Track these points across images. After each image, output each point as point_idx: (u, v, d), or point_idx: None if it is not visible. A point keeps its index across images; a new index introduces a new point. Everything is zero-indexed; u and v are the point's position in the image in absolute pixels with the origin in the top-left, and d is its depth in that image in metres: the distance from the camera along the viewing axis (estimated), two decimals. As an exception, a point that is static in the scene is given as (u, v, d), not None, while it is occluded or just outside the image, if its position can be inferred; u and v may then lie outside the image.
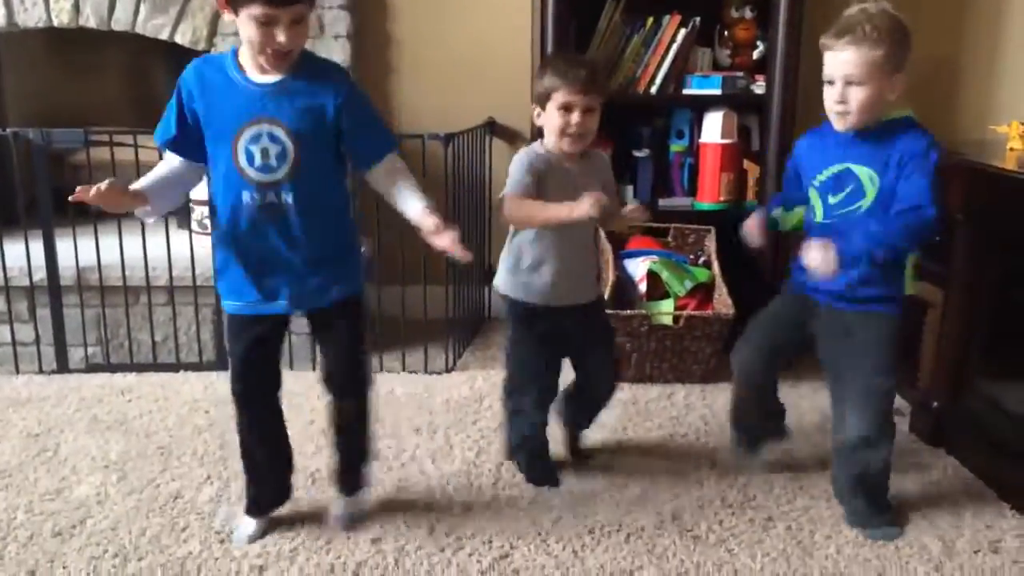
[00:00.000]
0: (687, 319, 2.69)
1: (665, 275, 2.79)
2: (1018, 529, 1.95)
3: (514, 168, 1.96)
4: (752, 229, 2.05)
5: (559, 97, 1.92)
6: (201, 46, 3.00)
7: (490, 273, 3.34)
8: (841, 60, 1.82)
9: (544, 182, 1.95)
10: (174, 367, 2.80)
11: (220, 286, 1.84)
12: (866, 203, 1.86)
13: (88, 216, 2.70)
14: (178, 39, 2.99)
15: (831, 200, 1.92)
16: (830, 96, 1.86)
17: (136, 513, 2.00)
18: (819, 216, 1.95)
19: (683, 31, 2.90)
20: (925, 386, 2.40)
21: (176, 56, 3.12)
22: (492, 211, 3.30)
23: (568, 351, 2.14)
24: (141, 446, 2.31)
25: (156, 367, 2.80)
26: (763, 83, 2.90)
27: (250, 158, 1.71)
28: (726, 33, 3.01)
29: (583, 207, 1.80)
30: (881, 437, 1.93)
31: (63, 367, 2.80)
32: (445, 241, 1.69)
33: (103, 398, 2.60)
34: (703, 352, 2.72)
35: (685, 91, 2.96)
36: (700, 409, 2.57)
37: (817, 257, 1.76)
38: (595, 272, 2.17)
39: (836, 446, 2.01)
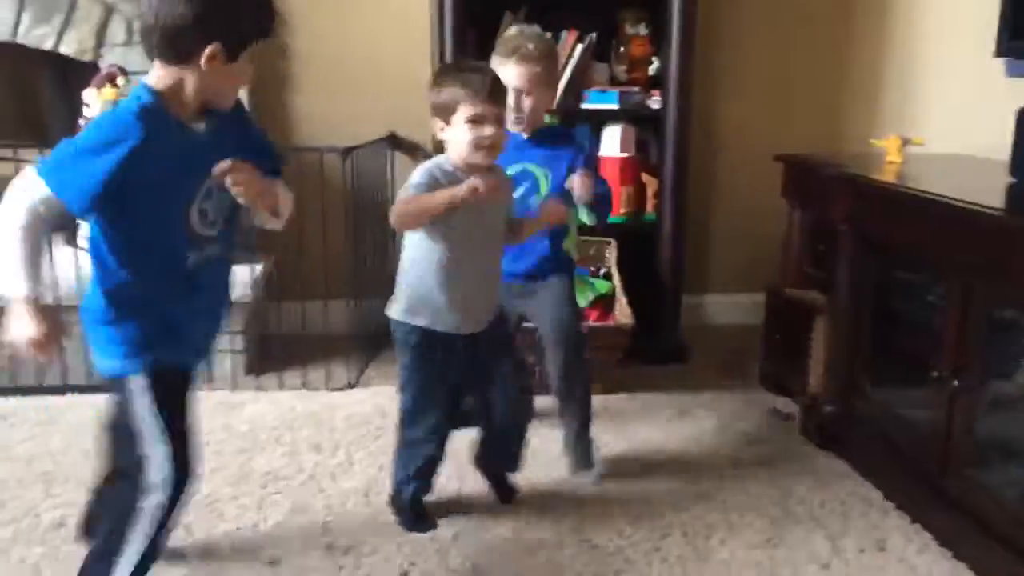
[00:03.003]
0: (589, 331, 2.71)
1: (566, 287, 2.81)
2: (902, 528, 2.03)
3: (413, 177, 1.86)
4: None
5: (467, 109, 1.82)
6: (87, 56, 2.91)
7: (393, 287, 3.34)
8: (513, 74, 2.11)
9: None
10: (60, 390, 2.68)
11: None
12: (540, 197, 2.18)
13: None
14: (63, 49, 2.90)
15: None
16: (512, 103, 2.12)
17: (13, 543, 1.90)
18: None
19: (580, 47, 2.94)
20: (814, 391, 2.47)
21: (61, 67, 3.01)
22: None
23: (470, 378, 2.01)
24: (22, 473, 2.20)
25: (41, 390, 2.67)
26: (659, 98, 2.97)
27: (203, 215, 1.58)
28: (622, 49, 3.07)
29: (465, 186, 1.75)
30: (580, 370, 2.26)
31: (-61, 392, 2.65)
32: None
33: (-18, 424, 2.48)
34: (605, 363, 2.74)
35: (584, 106, 3.00)
36: (602, 419, 2.59)
37: (580, 185, 2.09)
38: (498, 295, 2.03)
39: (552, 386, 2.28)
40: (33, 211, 1.44)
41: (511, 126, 2.12)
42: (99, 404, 2.58)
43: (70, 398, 2.66)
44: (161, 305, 1.58)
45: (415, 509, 2.02)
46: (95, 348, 1.59)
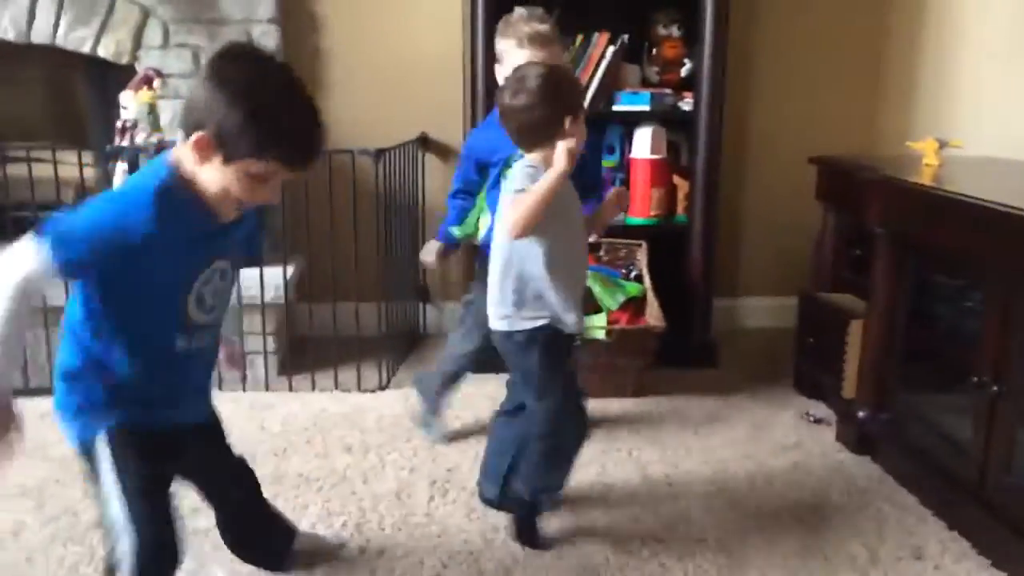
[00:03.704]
0: (619, 333, 2.70)
1: (597, 290, 2.80)
2: (939, 534, 2.00)
3: (517, 183, 1.79)
4: (430, 258, 2.37)
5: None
6: (125, 59, 2.94)
7: (424, 290, 3.35)
8: (539, 58, 2.07)
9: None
10: (96, 389, 2.71)
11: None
12: None
13: (3, 233, 2.61)
14: (100, 52, 2.93)
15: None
16: None
17: (53, 542, 1.93)
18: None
19: (612, 48, 2.93)
20: (849, 396, 2.45)
21: (98, 69, 3.05)
22: (425, 227, 3.29)
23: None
24: (60, 473, 2.23)
25: (77, 390, 2.70)
26: (691, 100, 2.95)
27: (200, 301, 1.49)
28: (654, 51, 3.06)
29: (561, 159, 1.74)
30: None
31: (-22, 391, 2.68)
32: None
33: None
34: (634, 366, 2.73)
35: (615, 107, 2.99)
36: (633, 423, 2.59)
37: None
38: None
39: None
40: (27, 282, 1.33)
41: None
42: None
43: (106, 398, 2.69)
44: (138, 387, 1.48)
45: (541, 520, 1.99)
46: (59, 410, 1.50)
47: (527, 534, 1.96)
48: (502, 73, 2.19)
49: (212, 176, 1.39)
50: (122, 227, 1.35)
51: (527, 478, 1.96)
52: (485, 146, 2.19)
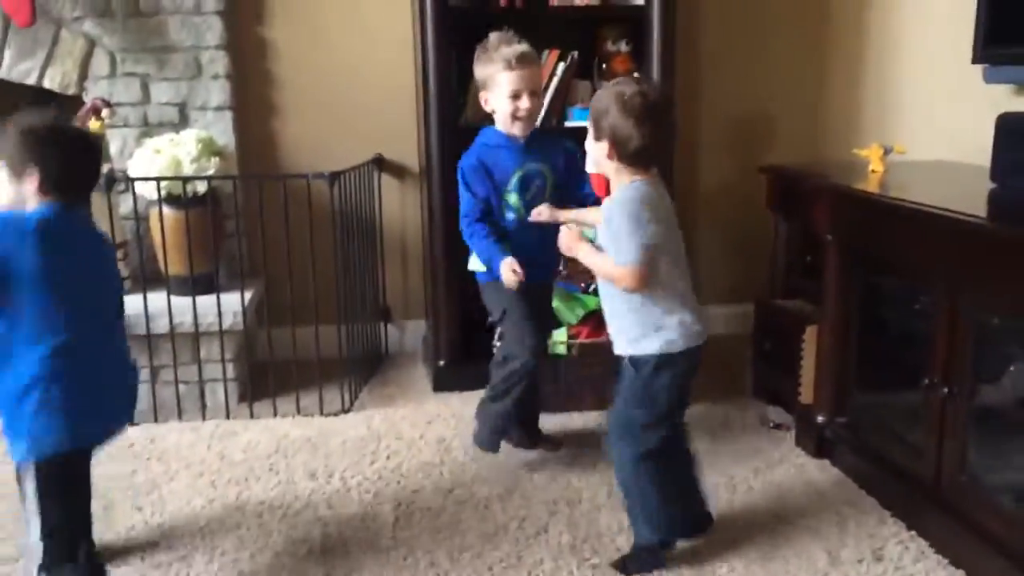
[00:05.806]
0: (580, 347, 2.72)
1: (557, 304, 2.82)
2: (899, 536, 2.04)
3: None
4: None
5: None
6: (71, 90, 2.91)
7: (385, 311, 3.35)
8: (522, 79, 2.20)
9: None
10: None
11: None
12: (548, 193, 2.30)
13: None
14: (47, 84, 2.90)
15: (525, 197, 2.27)
16: (521, 106, 2.22)
17: None
18: (522, 214, 2.27)
19: (562, 65, 2.96)
20: (807, 401, 2.48)
21: (47, 101, 3.01)
22: (383, 249, 3.29)
23: None
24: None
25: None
26: (642, 113, 2.98)
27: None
28: (604, 66, 3.09)
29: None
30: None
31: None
32: None
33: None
34: (596, 379, 2.75)
35: (568, 123, 3.01)
36: (595, 436, 2.60)
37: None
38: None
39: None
40: None
41: (518, 131, 2.26)
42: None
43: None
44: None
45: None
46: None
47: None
48: (492, 100, 2.25)
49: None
50: None
51: None
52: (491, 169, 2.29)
